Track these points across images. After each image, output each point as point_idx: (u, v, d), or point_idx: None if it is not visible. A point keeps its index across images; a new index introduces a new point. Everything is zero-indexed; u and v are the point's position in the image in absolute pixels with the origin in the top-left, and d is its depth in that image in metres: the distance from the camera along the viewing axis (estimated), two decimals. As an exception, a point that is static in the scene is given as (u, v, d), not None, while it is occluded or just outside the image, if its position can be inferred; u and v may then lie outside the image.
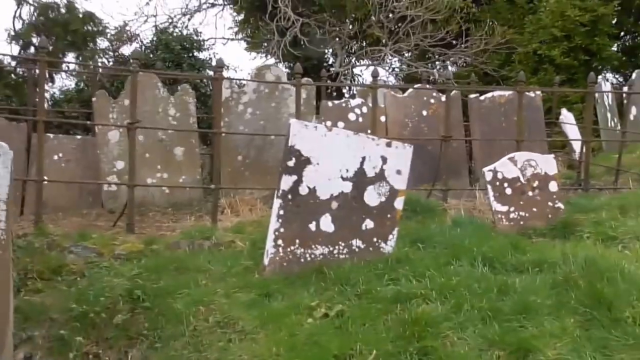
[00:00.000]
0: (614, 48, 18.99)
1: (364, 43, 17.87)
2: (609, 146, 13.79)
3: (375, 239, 5.53)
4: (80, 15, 17.18)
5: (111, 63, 14.77)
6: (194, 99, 9.25)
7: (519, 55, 17.38)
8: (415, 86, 10.74)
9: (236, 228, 6.62)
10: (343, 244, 5.43)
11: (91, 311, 4.57)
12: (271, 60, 16.80)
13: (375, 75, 8.50)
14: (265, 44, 16.57)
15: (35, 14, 17.39)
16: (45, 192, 7.44)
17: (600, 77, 15.37)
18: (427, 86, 10.88)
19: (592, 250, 5.31)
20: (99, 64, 14.28)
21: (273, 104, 9.20)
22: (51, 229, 6.61)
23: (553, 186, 7.09)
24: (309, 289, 4.80)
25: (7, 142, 3.74)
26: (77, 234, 6.17)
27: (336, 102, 10.32)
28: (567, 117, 13.77)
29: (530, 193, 7.00)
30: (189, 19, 18.72)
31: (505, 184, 6.94)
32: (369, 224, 5.50)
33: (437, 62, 18.37)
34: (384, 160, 5.47)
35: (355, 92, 15.95)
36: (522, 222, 6.88)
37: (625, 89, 15.41)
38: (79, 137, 9.93)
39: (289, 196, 5.21)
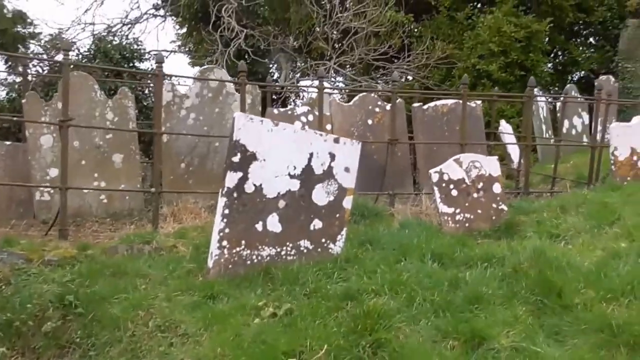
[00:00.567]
0: (549, 64, 19.43)
1: (309, 58, 17.67)
2: (544, 157, 14.08)
3: (323, 240, 5.27)
4: (10, 15, 16.02)
5: (45, 71, 14.03)
6: (134, 103, 8.74)
7: (458, 70, 17.52)
8: (361, 95, 10.52)
9: (178, 233, 6.23)
10: (291, 245, 5.13)
11: (17, 319, 4.14)
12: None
13: (321, 76, 8.22)
14: (209, 57, 16.17)
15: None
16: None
17: (535, 89, 15.65)
18: (372, 95, 10.65)
19: (539, 242, 5.23)
20: (31, 71, 13.44)
21: (217, 109, 8.79)
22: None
23: (497, 188, 7.09)
24: (256, 290, 4.55)
25: None
26: (2, 240, 5.64)
27: (282, 109, 10.03)
28: (505, 127, 13.89)
29: (475, 194, 6.96)
30: (129, 28, 18.14)
31: (451, 186, 6.89)
32: (317, 224, 5.25)
33: (379, 80, 18.31)
34: (332, 157, 5.22)
35: (300, 103, 15.74)
36: (467, 224, 6.83)
37: (559, 103, 15.74)
38: (7, 142, 9.16)
39: (234, 194, 4.88)
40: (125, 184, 8.45)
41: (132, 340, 4.02)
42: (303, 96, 19.07)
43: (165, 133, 7.91)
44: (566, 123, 14.06)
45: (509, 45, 17.20)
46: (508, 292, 4.37)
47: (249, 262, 4.94)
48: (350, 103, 10.39)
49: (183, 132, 8.54)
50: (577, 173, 10.90)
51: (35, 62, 13.80)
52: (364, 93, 10.72)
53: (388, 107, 10.31)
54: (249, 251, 4.98)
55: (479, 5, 19.82)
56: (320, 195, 5.21)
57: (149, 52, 16.75)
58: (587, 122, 15.54)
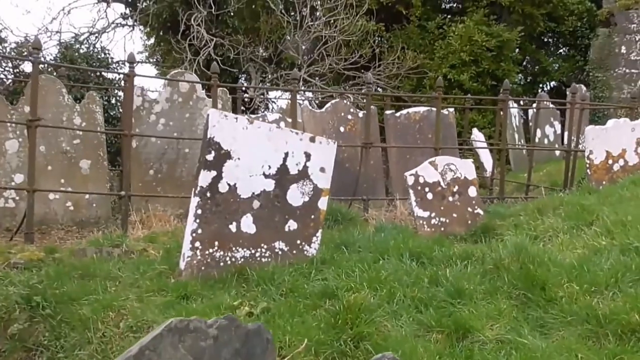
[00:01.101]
0: (519, 74, 19.68)
1: (279, 68, 17.67)
2: (517, 166, 14.24)
3: (299, 241, 5.23)
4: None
5: (9, 80, 13.82)
6: (101, 108, 8.64)
7: (430, 79, 17.64)
8: (333, 101, 10.53)
9: (148, 238, 6.15)
10: (265, 247, 5.09)
11: (-20, 322, 4.04)
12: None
13: (294, 77, 8.20)
14: (178, 67, 16.09)
15: None
16: None
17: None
18: (344, 102, 10.68)
19: (520, 239, 5.24)
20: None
21: (187, 115, 8.73)
22: None
23: (472, 191, 7.09)
24: (230, 291, 4.50)
25: None
26: (-36, 245, 5.53)
27: (253, 116, 9.99)
28: (478, 136, 14.02)
29: (450, 198, 6.96)
30: (96, 37, 17.98)
31: (427, 189, 6.88)
32: (292, 225, 5.21)
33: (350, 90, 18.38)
34: (308, 156, 5.19)
35: (272, 111, 15.71)
36: (442, 228, 6.82)
37: (531, 112, 15.94)
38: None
39: (208, 194, 4.84)
40: (93, 190, 8.31)
41: (103, 341, 3.94)
42: (273, 108, 19.08)
43: (135, 135, 7.83)
44: (539, 132, 14.24)
45: (480, 54, 17.45)
46: (490, 287, 4.39)
47: (222, 263, 4.88)
48: (323, 110, 10.38)
49: (154, 135, 8.47)
50: (550, 181, 11.00)
51: (-1, 69, 13.60)
52: (337, 100, 10.73)
53: (360, 114, 10.36)
54: (222, 252, 4.92)
55: (449, 15, 20.05)
56: (295, 196, 5.17)
57: (116, 62, 16.63)
58: (559, 131, 15.78)
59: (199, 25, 15.13)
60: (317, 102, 16.79)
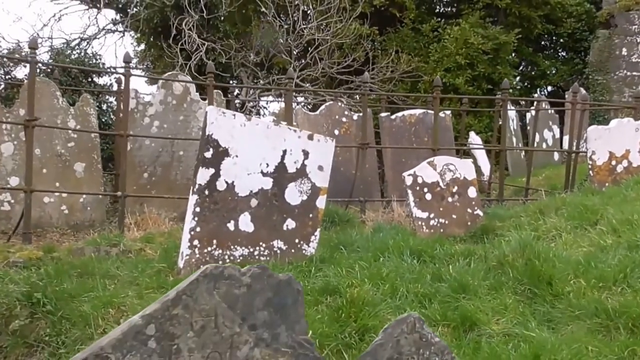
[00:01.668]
0: (516, 78, 19.73)
1: (271, 73, 17.77)
2: (515, 170, 14.33)
3: (297, 240, 5.33)
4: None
5: (2, 86, 13.96)
6: (96, 111, 8.78)
7: (424, 83, 17.70)
8: (328, 104, 10.65)
9: (145, 238, 6.24)
10: (264, 245, 5.20)
11: (-18, 318, 4.13)
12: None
13: (290, 76, 8.32)
14: (169, 73, 16.20)
15: None
16: None
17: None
18: (339, 104, 10.80)
19: (524, 235, 5.33)
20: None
21: (181, 117, 8.86)
22: None
23: (472, 192, 7.14)
24: (230, 289, 4.53)
25: None
26: (-37, 244, 5.64)
27: (246, 119, 10.04)
28: (475, 139, 14.12)
29: (449, 199, 7.02)
30: (87, 43, 18.10)
31: (425, 189, 6.94)
32: (290, 223, 5.31)
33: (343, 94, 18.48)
34: (306, 154, 5.30)
35: (263, 116, 15.82)
36: (442, 230, 6.88)
37: (529, 114, 16.08)
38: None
39: (206, 191, 4.95)
40: (87, 194, 8.44)
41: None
42: (264, 113, 19.22)
43: (131, 135, 7.95)
44: (537, 137, 14.31)
45: (476, 57, 17.45)
46: (495, 282, 4.47)
47: (221, 262, 4.97)
48: (317, 112, 10.48)
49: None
50: (549, 185, 10.97)
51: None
52: (331, 102, 10.84)
53: (355, 117, 10.47)
54: (220, 251, 5.03)
55: (444, 19, 20.09)
56: (294, 194, 5.28)
57: (108, 68, 16.75)
58: (558, 135, 15.88)
59: (190, 29, 15.24)
60: (309, 107, 16.90)
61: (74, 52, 16.50)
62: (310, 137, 5.33)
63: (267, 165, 5.15)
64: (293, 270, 4.84)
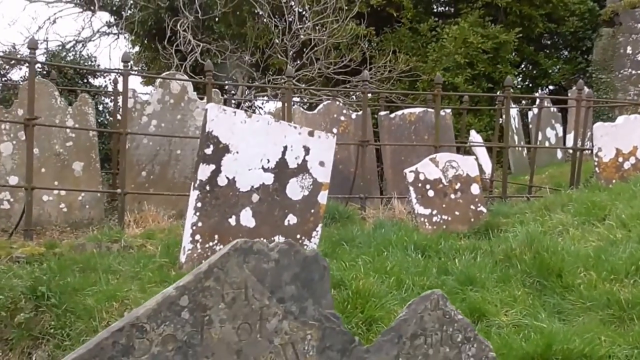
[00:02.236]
0: (517, 77, 19.81)
1: (266, 73, 17.89)
2: (517, 169, 14.44)
3: (298, 236, 5.41)
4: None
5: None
6: (94, 110, 8.91)
7: (422, 83, 17.80)
8: (326, 103, 10.78)
9: (146, 234, 6.37)
10: (265, 241, 5.27)
11: (-13, 312, 4.24)
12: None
13: (289, 75, 8.45)
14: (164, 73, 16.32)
15: None
16: None
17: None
18: (337, 103, 10.93)
19: (531, 228, 5.41)
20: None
21: (179, 116, 8.98)
22: None
23: (475, 189, 7.22)
24: (232, 283, 4.66)
25: None
26: (-34, 240, 5.76)
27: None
28: (475, 137, 14.23)
29: (452, 195, 7.10)
30: (82, 45, 18.28)
31: (428, 186, 7.02)
32: (291, 219, 5.39)
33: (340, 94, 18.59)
34: (307, 150, 5.40)
35: (262, 114, 15.92)
36: (444, 226, 6.95)
37: (530, 113, 16.21)
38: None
39: (207, 187, 5.05)
40: (86, 192, 8.57)
41: (108, 330, 4.15)
42: (260, 113, 19.30)
43: (130, 133, 8.07)
44: (539, 135, 14.39)
45: (476, 56, 17.54)
46: (503, 275, 4.55)
47: (223, 257, 5.09)
48: (315, 111, 10.58)
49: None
50: (553, 183, 11.01)
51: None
52: (329, 101, 10.96)
53: (354, 115, 10.59)
54: (222, 246, 5.11)
55: (442, 18, 20.21)
56: (295, 190, 5.36)
57: (106, 69, 16.92)
58: (560, 134, 15.99)
59: (185, 31, 15.38)
60: (305, 107, 17.04)
61: (69, 55, 16.66)
62: (311, 134, 5.44)
63: (268, 161, 5.24)
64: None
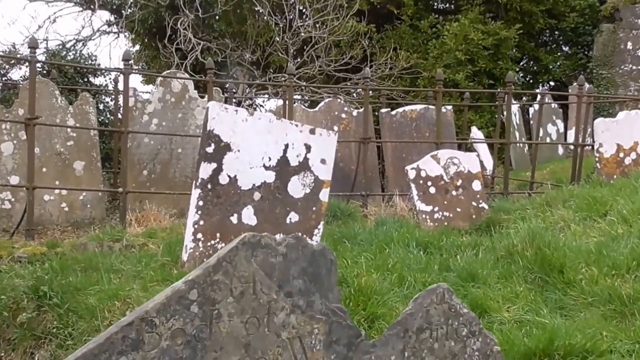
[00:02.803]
0: (518, 73, 19.79)
1: (267, 71, 17.89)
2: (518, 165, 14.45)
3: (300, 233, 5.37)
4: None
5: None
6: (95, 109, 8.91)
7: (423, 80, 17.81)
8: (327, 100, 10.77)
9: (147, 233, 6.36)
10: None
11: (-11, 311, 4.25)
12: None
13: (291, 72, 8.44)
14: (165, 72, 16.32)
15: None
16: None
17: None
18: (338, 101, 10.92)
19: (533, 225, 5.41)
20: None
21: (180, 115, 8.98)
22: None
23: (477, 185, 7.22)
24: (234, 282, 4.65)
25: None
26: (-33, 240, 5.77)
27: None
28: (477, 134, 14.24)
29: (454, 192, 7.10)
30: (83, 44, 18.29)
31: (429, 183, 7.02)
32: (293, 217, 5.39)
33: (341, 92, 18.60)
34: (308, 148, 5.39)
35: (265, 111, 15.94)
36: (446, 223, 6.96)
37: (531, 109, 16.20)
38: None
39: (209, 185, 5.05)
40: (87, 191, 8.58)
41: (110, 329, 4.15)
42: (261, 111, 19.29)
43: (132, 132, 8.07)
44: (540, 131, 14.40)
45: (477, 53, 17.57)
46: (504, 271, 4.55)
47: (224, 255, 5.08)
48: (316, 109, 10.59)
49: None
50: (555, 179, 10.91)
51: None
52: (330, 99, 10.95)
53: (355, 113, 10.59)
54: (224, 244, 5.11)
55: (442, 15, 20.22)
56: (296, 188, 5.35)
57: (107, 67, 16.92)
58: (561, 130, 16.00)
59: (185, 29, 15.38)
60: (305, 104, 17.04)
61: (70, 54, 16.67)
62: (312, 132, 5.43)
63: (270, 159, 5.24)
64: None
